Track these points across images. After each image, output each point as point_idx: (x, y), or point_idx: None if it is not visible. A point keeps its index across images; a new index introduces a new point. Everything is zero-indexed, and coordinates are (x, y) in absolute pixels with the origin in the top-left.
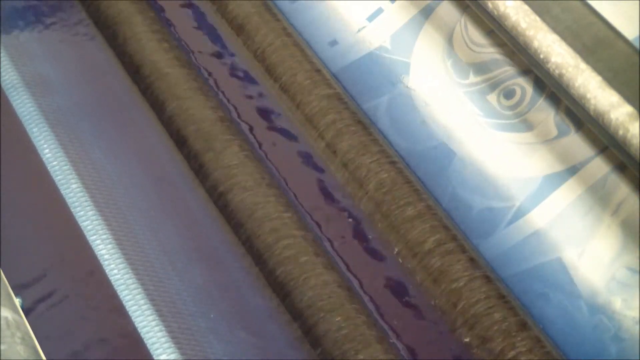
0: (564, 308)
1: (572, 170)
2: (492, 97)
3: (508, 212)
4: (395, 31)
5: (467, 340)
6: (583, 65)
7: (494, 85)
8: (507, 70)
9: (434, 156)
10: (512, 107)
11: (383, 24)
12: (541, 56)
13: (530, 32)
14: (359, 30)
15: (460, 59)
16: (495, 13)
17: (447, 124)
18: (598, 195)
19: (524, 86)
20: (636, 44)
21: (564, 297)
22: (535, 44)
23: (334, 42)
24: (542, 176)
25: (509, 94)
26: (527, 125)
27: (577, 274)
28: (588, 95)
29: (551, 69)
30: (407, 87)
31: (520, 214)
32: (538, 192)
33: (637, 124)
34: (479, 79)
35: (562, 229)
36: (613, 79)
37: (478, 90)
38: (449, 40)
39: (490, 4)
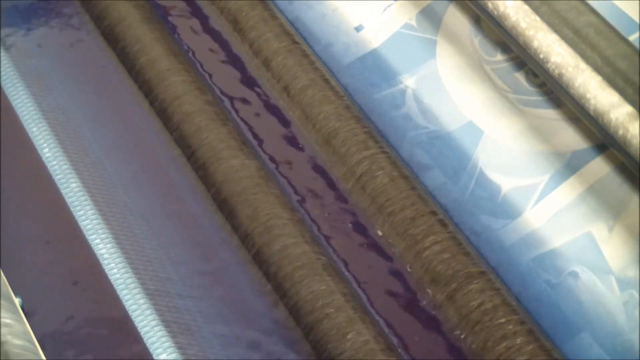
0: (594, 284)
1: (602, 146)
2: (521, 75)
3: (536, 189)
4: (421, 9)
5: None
6: (583, 65)
7: (522, 63)
8: None
9: (461, 135)
10: (540, 85)
11: (409, 3)
12: (541, 56)
13: (530, 32)
14: (384, 10)
15: (487, 36)
16: (495, 13)
17: (475, 102)
18: (629, 170)
19: None
20: (636, 44)
21: (594, 273)
22: (535, 44)
23: (360, 27)
24: (571, 152)
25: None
26: (556, 102)
27: (608, 248)
28: (588, 95)
29: (551, 69)
30: (433, 65)
31: (548, 190)
32: (567, 168)
33: (637, 124)
34: (506, 56)
35: (592, 204)
36: (613, 79)
37: (506, 67)
38: (476, 17)
39: (490, 4)
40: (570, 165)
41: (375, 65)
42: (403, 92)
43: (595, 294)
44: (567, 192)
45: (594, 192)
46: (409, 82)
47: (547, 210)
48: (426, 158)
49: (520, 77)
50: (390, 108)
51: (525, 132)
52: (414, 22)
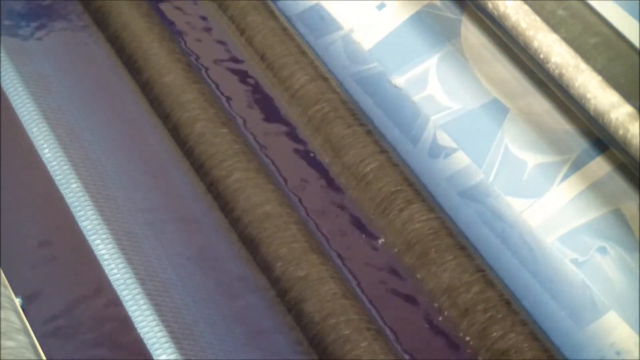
0: (623, 261)
1: None
2: None
3: (564, 166)
4: None
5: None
6: (583, 65)
7: None
8: None
9: (486, 113)
10: None
11: None
12: (541, 56)
13: (530, 32)
14: None
15: None
16: (495, 13)
17: (500, 79)
18: (629, 169)
19: None
20: (636, 44)
21: (623, 250)
22: (536, 44)
23: (381, 6)
24: None
25: None
26: None
27: (637, 225)
28: (588, 95)
29: (551, 69)
30: (458, 43)
31: (576, 167)
32: (596, 146)
33: (637, 124)
34: None
35: (621, 182)
36: (613, 79)
37: None
38: None
39: (490, 4)
40: (599, 143)
41: (398, 46)
42: (426, 73)
43: (624, 270)
44: (596, 170)
45: (624, 169)
46: (432, 61)
47: (573, 188)
48: (450, 140)
49: None
50: (413, 90)
51: (553, 110)
52: (437, 2)
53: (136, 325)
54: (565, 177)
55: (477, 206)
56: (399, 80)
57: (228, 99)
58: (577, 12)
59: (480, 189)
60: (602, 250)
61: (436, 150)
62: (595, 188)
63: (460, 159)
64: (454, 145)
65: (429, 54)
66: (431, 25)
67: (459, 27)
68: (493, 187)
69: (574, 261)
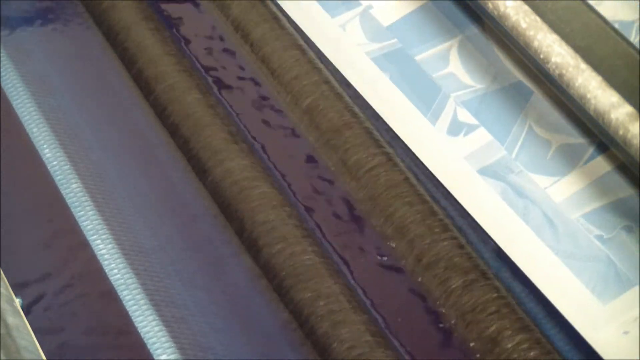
0: None
1: None
2: None
3: (590, 147)
4: None
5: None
6: (583, 65)
7: None
8: None
9: (509, 94)
10: None
11: None
12: (541, 56)
13: (530, 32)
14: None
15: None
16: (495, 13)
17: (525, 62)
18: (629, 169)
19: None
20: (636, 44)
21: None
22: (536, 44)
23: None
24: None
25: None
26: None
27: None
28: (588, 95)
29: (551, 69)
30: (481, 25)
31: (602, 149)
32: None
33: (637, 124)
34: None
35: None
36: (613, 79)
37: None
38: None
39: (490, 4)
40: None
41: (419, 24)
42: (447, 51)
43: None
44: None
45: None
46: (454, 41)
47: (600, 168)
48: (471, 117)
49: None
50: (433, 68)
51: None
52: None
53: (137, 325)
54: (592, 158)
55: (498, 183)
56: (419, 57)
57: (229, 102)
58: (577, 12)
59: (501, 165)
60: (629, 229)
61: (456, 128)
62: (623, 169)
63: (482, 136)
64: (475, 122)
65: (451, 34)
66: (455, 6)
67: (483, 8)
68: (516, 164)
69: (599, 238)
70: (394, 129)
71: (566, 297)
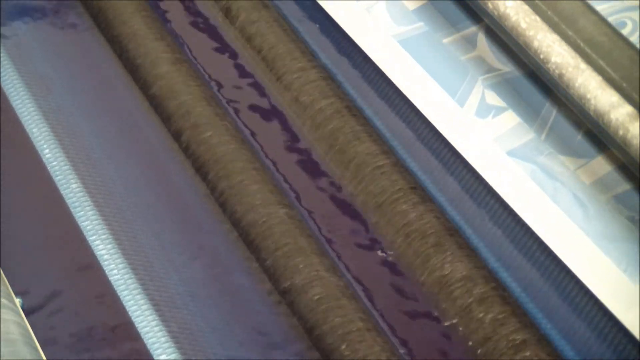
0: None
1: None
2: None
3: None
4: None
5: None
6: (583, 65)
7: (605, 16)
8: (614, 4)
9: (538, 78)
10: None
11: None
12: (541, 56)
13: (530, 32)
14: None
15: None
16: (496, 13)
17: None
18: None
19: (635, 19)
20: (636, 44)
21: None
22: (536, 44)
23: None
24: None
25: (619, 26)
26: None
27: None
28: (588, 95)
29: (551, 69)
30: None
31: None
32: None
33: (637, 124)
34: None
35: None
36: (613, 79)
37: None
38: None
39: (490, 4)
40: None
41: (445, 8)
42: (475, 35)
43: None
44: None
45: None
46: (482, 25)
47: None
48: (499, 100)
49: None
50: (460, 51)
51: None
52: None
53: (136, 325)
54: None
55: (527, 164)
56: (446, 40)
57: (229, 101)
58: (577, 12)
59: (530, 147)
60: None
61: (485, 110)
62: None
63: (510, 119)
64: (503, 104)
65: (478, 17)
66: None
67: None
68: (545, 146)
69: (631, 218)
70: (423, 112)
71: (597, 278)
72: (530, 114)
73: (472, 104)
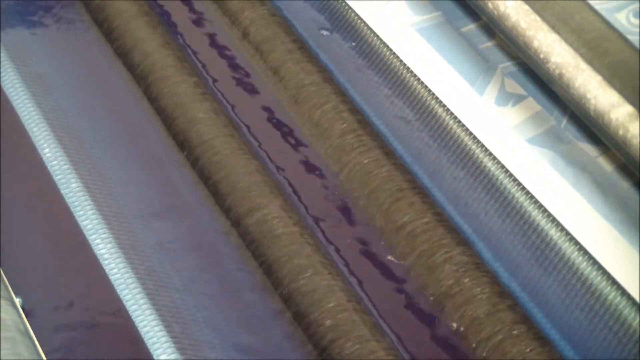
0: None
1: None
2: (621, 15)
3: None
4: None
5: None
6: (583, 65)
7: (623, 5)
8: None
9: None
10: None
11: None
12: (541, 56)
13: (530, 32)
14: None
15: None
16: (495, 13)
17: None
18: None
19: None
20: (636, 44)
21: None
22: (536, 44)
23: None
24: None
25: (637, 14)
26: None
27: None
28: (588, 95)
29: (551, 69)
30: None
31: None
32: None
33: (637, 124)
34: None
35: None
36: (613, 79)
37: (606, 8)
38: None
39: (490, 4)
40: None
41: None
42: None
43: None
44: None
45: None
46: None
47: None
48: (519, 88)
49: (620, 18)
50: (479, 40)
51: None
52: None
53: (137, 325)
54: None
55: (548, 152)
56: (465, 29)
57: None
58: (577, 12)
59: (551, 135)
60: None
61: (504, 98)
62: None
63: (530, 106)
64: (523, 92)
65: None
66: None
67: None
68: (565, 134)
69: None
70: (442, 100)
71: (620, 265)
72: (550, 102)
73: (491, 92)
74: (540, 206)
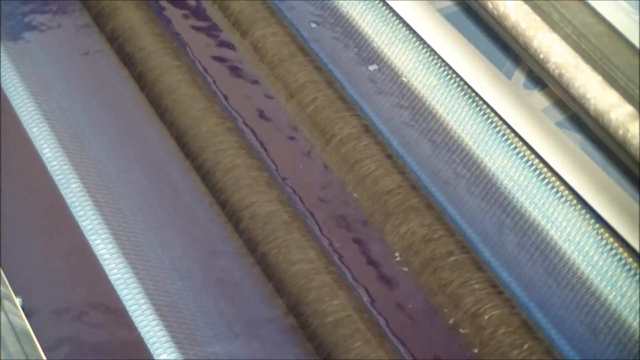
0: None
1: None
2: None
3: None
4: None
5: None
6: (583, 65)
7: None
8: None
9: None
10: None
11: None
12: (541, 56)
13: (530, 32)
14: None
15: None
16: (495, 13)
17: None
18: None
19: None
20: (636, 44)
21: None
22: (535, 43)
23: None
24: None
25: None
26: None
27: None
28: (588, 95)
29: (551, 69)
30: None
31: None
32: None
33: (637, 124)
34: None
35: None
36: (613, 79)
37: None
38: None
39: (490, 4)
40: None
41: None
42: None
43: None
44: None
45: None
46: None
47: None
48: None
49: None
50: None
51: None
52: None
53: (136, 325)
54: None
55: (576, 135)
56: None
57: (226, 97)
58: (577, 12)
59: (579, 118)
60: None
61: (532, 82)
62: None
63: (547, 95)
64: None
65: None
66: None
67: None
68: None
69: None
70: (470, 84)
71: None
72: None
73: (520, 76)
74: (570, 189)
